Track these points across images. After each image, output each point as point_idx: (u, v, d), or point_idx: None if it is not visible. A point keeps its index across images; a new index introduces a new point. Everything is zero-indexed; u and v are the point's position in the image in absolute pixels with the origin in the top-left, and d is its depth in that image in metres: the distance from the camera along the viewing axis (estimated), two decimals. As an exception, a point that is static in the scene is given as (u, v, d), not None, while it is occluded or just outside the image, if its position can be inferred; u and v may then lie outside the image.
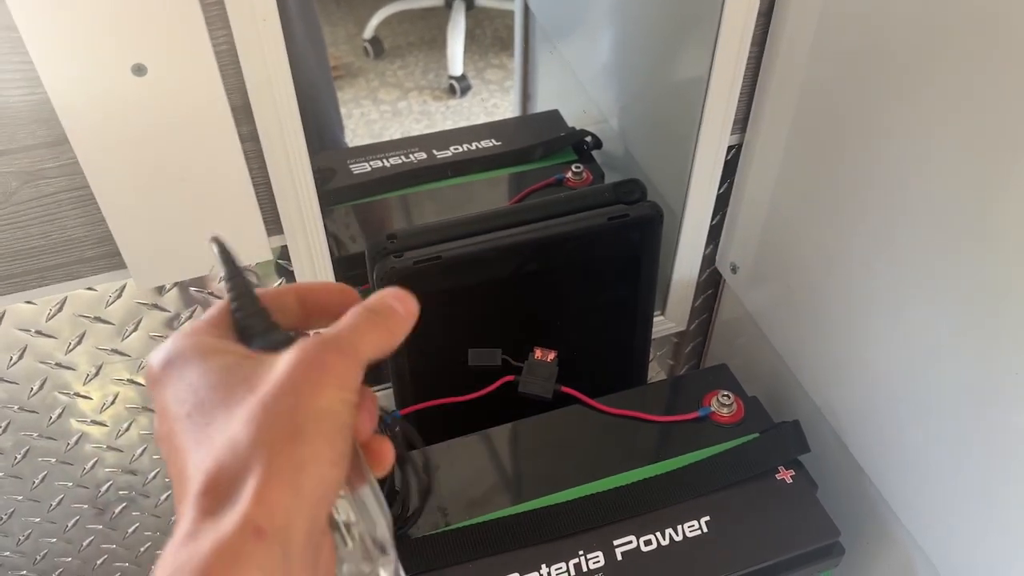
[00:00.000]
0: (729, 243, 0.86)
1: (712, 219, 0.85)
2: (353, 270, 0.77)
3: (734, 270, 0.86)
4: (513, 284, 0.79)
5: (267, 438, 0.27)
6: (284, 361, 0.29)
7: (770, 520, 0.69)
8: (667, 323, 0.94)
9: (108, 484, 0.87)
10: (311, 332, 0.32)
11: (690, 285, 0.91)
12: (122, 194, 0.60)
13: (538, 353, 0.79)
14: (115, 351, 0.73)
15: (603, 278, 0.83)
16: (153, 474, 0.88)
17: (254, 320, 0.32)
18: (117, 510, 0.91)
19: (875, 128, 0.62)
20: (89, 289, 0.67)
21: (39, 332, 0.69)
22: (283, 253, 0.71)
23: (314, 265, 0.71)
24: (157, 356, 0.30)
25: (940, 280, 0.58)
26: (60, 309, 0.67)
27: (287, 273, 0.73)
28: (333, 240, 0.81)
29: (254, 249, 0.67)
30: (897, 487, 0.69)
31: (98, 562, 0.96)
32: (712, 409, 0.76)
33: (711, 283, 0.94)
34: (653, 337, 0.92)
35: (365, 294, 0.33)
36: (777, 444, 0.73)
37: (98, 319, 0.70)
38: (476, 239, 0.74)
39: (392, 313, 0.32)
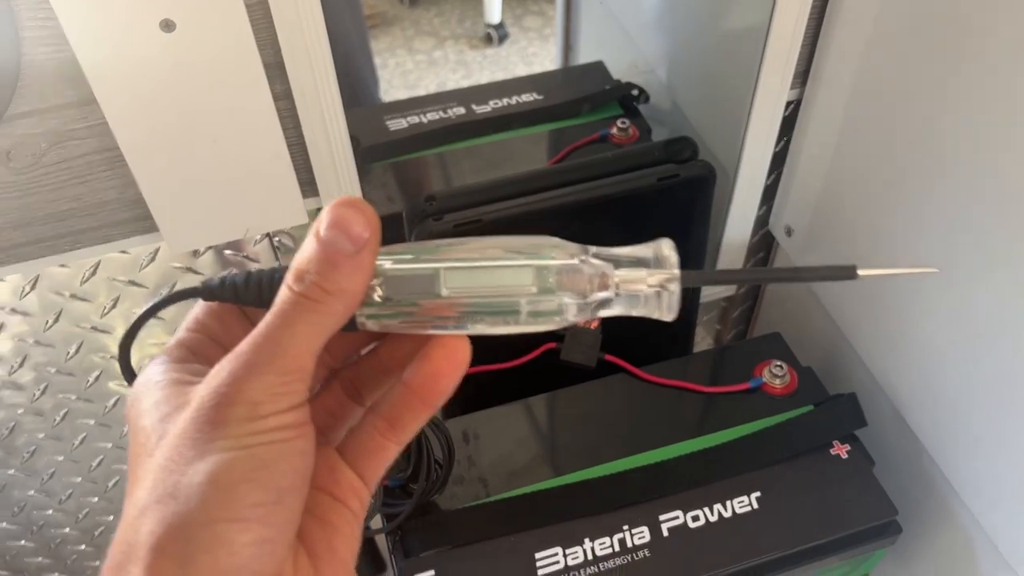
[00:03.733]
0: (784, 205, 0.82)
1: (767, 179, 0.81)
2: (390, 231, 0.74)
3: (789, 233, 0.82)
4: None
5: (154, 507, 0.23)
6: (190, 401, 0.24)
7: (824, 497, 0.66)
8: (716, 287, 0.90)
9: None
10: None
11: (741, 248, 0.87)
12: (152, 156, 0.58)
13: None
14: (151, 314, 0.72)
15: (651, 240, 0.79)
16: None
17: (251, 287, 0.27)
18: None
19: (948, 88, 0.57)
20: (122, 252, 0.65)
21: (74, 295, 0.67)
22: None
23: (351, 228, 0.69)
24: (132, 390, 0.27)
25: (1011, 253, 0.54)
26: (94, 272, 0.66)
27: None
28: (369, 200, 0.78)
29: (289, 212, 0.64)
30: (958, 464, 0.66)
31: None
32: (764, 380, 0.72)
33: (763, 246, 0.90)
34: (701, 302, 0.89)
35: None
36: (832, 417, 0.70)
37: (132, 283, 0.68)
38: (519, 201, 0.71)
39: (322, 268, 0.24)
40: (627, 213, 0.76)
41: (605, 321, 0.76)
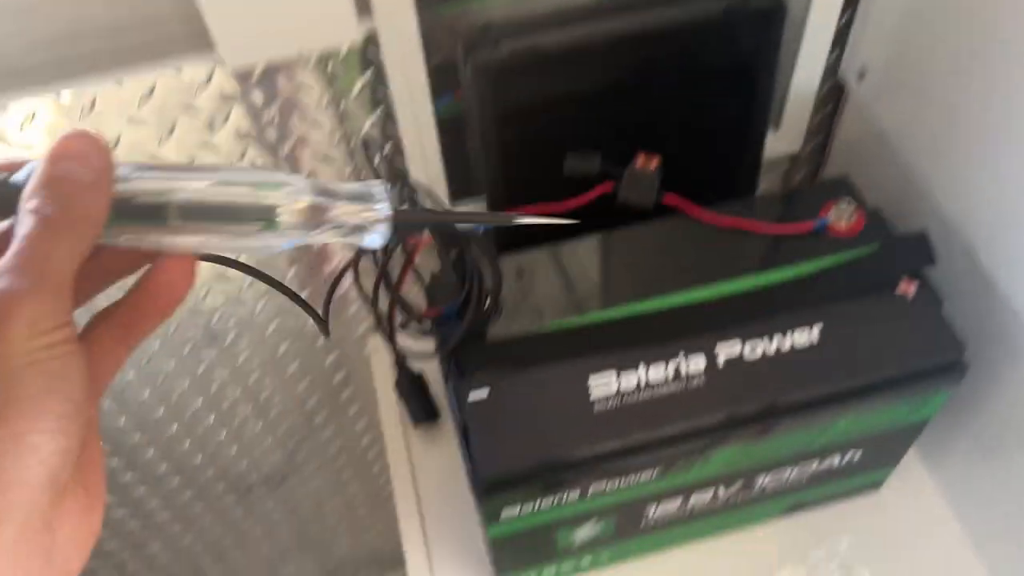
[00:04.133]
0: (858, 43, 0.78)
1: (840, 18, 0.76)
2: (446, 75, 0.72)
3: (862, 76, 0.78)
4: (616, 84, 0.74)
5: None
6: None
7: (888, 334, 0.64)
8: (779, 142, 0.87)
9: (218, 314, 0.89)
10: None
11: (808, 98, 0.83)
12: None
13: (640, 160, 0.74)
14: (205, 144, 0.72)
15: (715, 83, 0.76)
16: (261, 306, 0.89)
17: None
18: (228, 339, 0.93)
19: None
20: (177, 71, 0.65)
21: (131, 119, 0.68)
22: (373, 43, 0.67)
23: (404, 58, 0.67)
24: None
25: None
26: (151, 94, 0.66)
27: (374, 66, 0.70)
28: (428, 42, 0.76)
29: (340, 30, 0.63)
30: (1035, 303, 0.63)
31: (212, 389, 1.00)
32: (830, 220, 0.70)
33: (831, 98, 0.86)
34: (764, 159, 0.86)
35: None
36: (900, 255, 0.67)
37: (188, 106, 0.68)
38: (579, 27, 0.69)
39: (72, 194, 0.26)
40: (690, 50, 0.73)
41: (666, 162, 0.74)
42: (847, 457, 0.72)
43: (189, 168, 0.29)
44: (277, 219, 0.29)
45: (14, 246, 0.26)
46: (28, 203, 0.26)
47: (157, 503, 1.18)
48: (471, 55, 0.68)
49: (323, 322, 0.46)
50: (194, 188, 0.29)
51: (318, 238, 0.31)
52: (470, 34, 0.69)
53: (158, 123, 0.68)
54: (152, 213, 0.28)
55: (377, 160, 0.71)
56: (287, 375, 1.01)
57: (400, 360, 0.81)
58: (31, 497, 0.24)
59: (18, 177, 0.28)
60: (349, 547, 1.49)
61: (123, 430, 1.00)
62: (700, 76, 0.75)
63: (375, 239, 0.32)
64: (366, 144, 0.67)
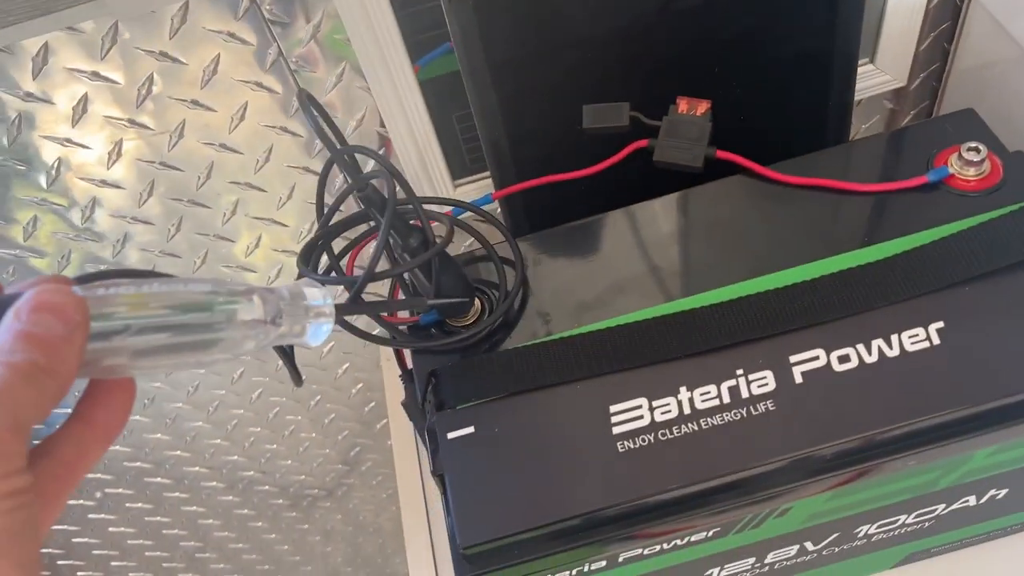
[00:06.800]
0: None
1: None
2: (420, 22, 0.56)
3: (989, -28, 0.57)
4: (642, 13, 0.56)
5: None
6: None
7: (1042, 329, 0.44)
8: (878, 75, 0.67)
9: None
10: None
11: (914, 14, 0.63)
12: None
13: (682, 105, 0.56)
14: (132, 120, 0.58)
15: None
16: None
17: None
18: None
19: None
20: (70, 30, 0.51)
21: (30, 96, 0.55)
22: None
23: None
24: None
25: None
26: (45, 61, 0.52)
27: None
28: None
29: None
30: None
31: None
32: (950, 170, 0.50)
33: (944, 13, 0.65)
34: (857, 98, 0.66)
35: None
36: (1058, 215, 0.47)
37: (96, 75, 0.54)
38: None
39: (45, 348, 0.25)
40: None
41: (717, 109, 0.56)
42: (986, 497, 0.52)
43: (146, 282, 0.28)
44: (222, 338, 0.29)
45: None
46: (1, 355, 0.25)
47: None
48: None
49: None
50: (147, 317, 0.27)
51: (269, 340, 0.30)
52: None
53: (66, 98, 0.55)
54: (106, 336, 0.27)
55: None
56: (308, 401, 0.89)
57: (405, 375, 0.66)
58: None
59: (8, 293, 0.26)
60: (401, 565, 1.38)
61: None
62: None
63: (319, 333, 0.32)
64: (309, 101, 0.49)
